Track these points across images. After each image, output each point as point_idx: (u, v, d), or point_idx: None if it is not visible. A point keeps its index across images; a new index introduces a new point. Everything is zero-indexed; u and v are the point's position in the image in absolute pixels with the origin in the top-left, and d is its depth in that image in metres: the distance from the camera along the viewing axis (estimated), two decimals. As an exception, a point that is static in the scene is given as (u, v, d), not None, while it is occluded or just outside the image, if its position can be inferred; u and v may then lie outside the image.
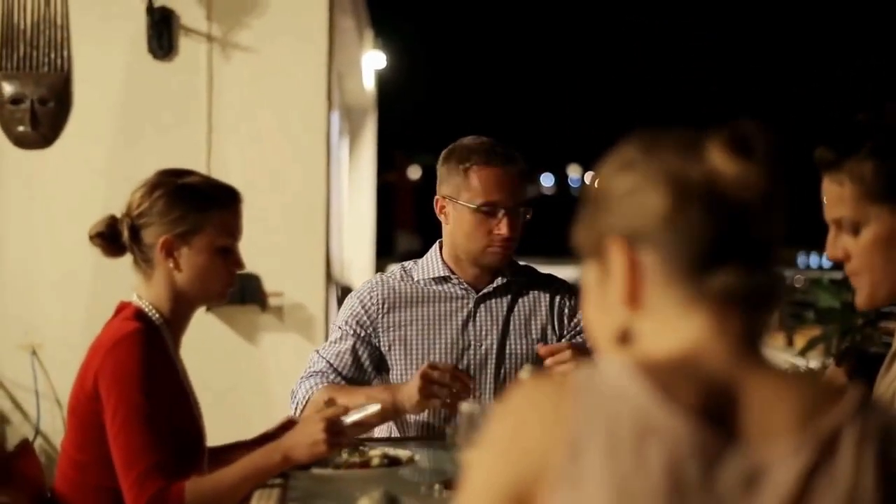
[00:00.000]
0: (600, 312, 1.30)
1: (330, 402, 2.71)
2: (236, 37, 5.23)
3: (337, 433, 2.57)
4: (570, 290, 3.30)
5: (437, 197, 3.21)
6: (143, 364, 2.52)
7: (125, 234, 2.64)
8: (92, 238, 2.67)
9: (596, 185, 1.31)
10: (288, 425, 2.83)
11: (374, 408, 2.77)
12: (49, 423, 5.15)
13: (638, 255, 1.25)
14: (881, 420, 1.23)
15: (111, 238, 2.66)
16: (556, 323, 3.24)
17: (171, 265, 2.63)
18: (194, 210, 2.64)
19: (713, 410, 1.18)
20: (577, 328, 3.23)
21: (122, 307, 2.69)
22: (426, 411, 3.05)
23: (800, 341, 8.28)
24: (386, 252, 15.15)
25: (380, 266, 12.71)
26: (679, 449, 1.15)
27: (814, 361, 6.53)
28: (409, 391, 2.87)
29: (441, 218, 3.22)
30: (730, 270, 1.23)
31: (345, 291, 8.69)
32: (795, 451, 1.19)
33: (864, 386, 1.34)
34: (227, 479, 2.53)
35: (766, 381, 1.23)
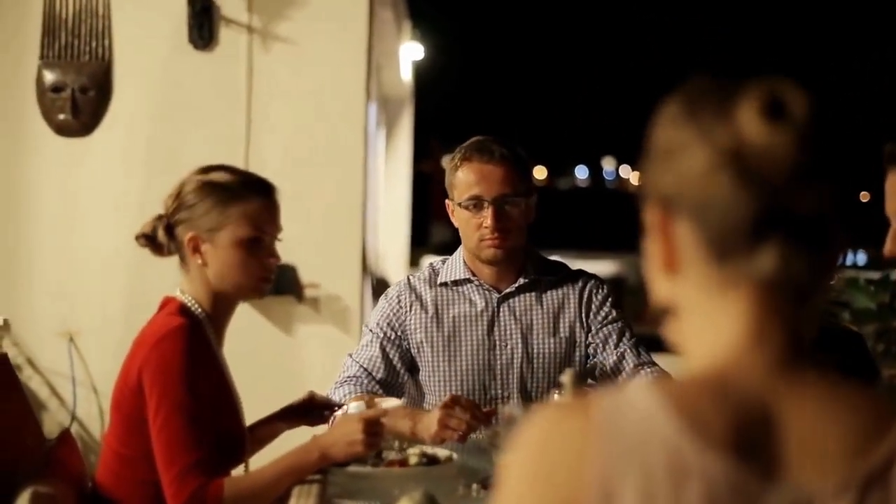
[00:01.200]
0: (652, 276, 1.21)
1: (370, 403, 2.72)
2: (276, 28, 5.24)
3: (374, 433, 2.58)
4: (598, 284, 3.29)
5: (447, 201, 3.25)
6: (187, 360, 2.53)
7: (161, 233, 2.66)
8: (137, 239, 2.69)
9: (646, 143, 1.20)
10: (309, 400, 2.86)
11: (394, 402, 2.80)
12: (85, 409, 5.18)
13: (673, 222, 1.16)
14: None
15: (153, 238, 2.68)
16: (583, 317, 3.23)
17: (200, 262, 2.65)
18: (217, 205, 2.65)
19: (751, 443, 1.08)
20: (606, 320, 3.22)
21: (166, 302, 2.70)
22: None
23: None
24: (421, 242, 15.15)
25: (414, 257, 12.72)
26: (717, 491, 1.06)
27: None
28: (429, 423, 2.87)
29: (452, 220, 3.26)
30: (771, 250, 1.11)
31: (379, 283, 8.69)
32: (842, 487, 1.08)
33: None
34: (265, 477, 2.54)
35: (810, 401, 1.11)
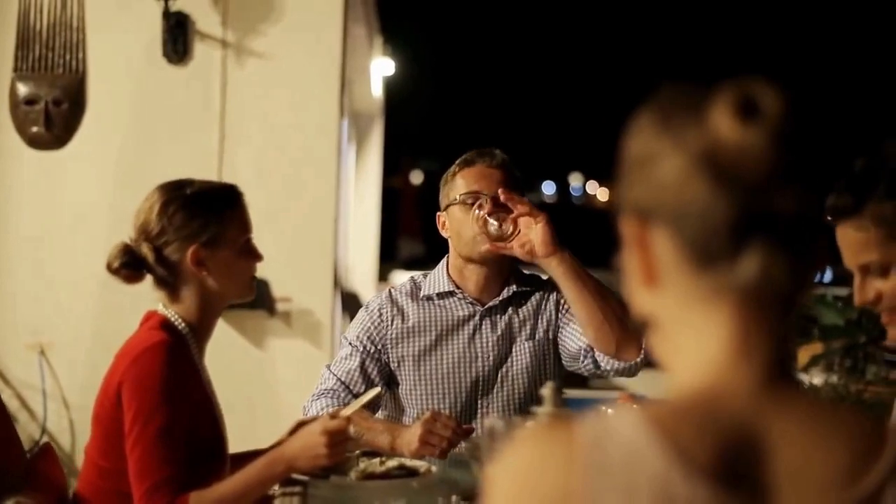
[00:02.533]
0: (630, 290, 1.17)
1: (334, 414, 2.73)
2: (251, 43, 5.26)
3: (338, 444, 2.59)
4: None
5: (438, 216, 3.31)
6: (166, 376, 2.54)
7: (150, 257, 2.64)
8: (116, 271, 2.66)
9: (619, 155, 1.16)
10: (298, 428, 2.87)
11: (373, 392, 2.83)
12: (55, 422, 5.17)
13: (650, 234, 1.12)
14: None
15: (133, 265, 2.66)
16: (557, 317, 3.27)
17: (204, 273, 2.66)
18: (213, 215, 2.67)
19: (738, 469, 1.05)
20: (569, 310, 3.25)
21: (149, 317, 2.71)
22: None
23: (803, 357, 8.29)
24: (389, 257, 15.18)
25: (382, 272, 12.72)
26: None
27: (816, 378, 6.54)
28: (409, 438, 2.89)
29: (444, 234, 3.30)
30: (754, 255, 1.08)
31: (348, 297, 8.71)
32: None
33: None
34: (230, 491, 2.54)
35: (797, 424, 1.08)
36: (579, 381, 3.82)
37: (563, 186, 45.96)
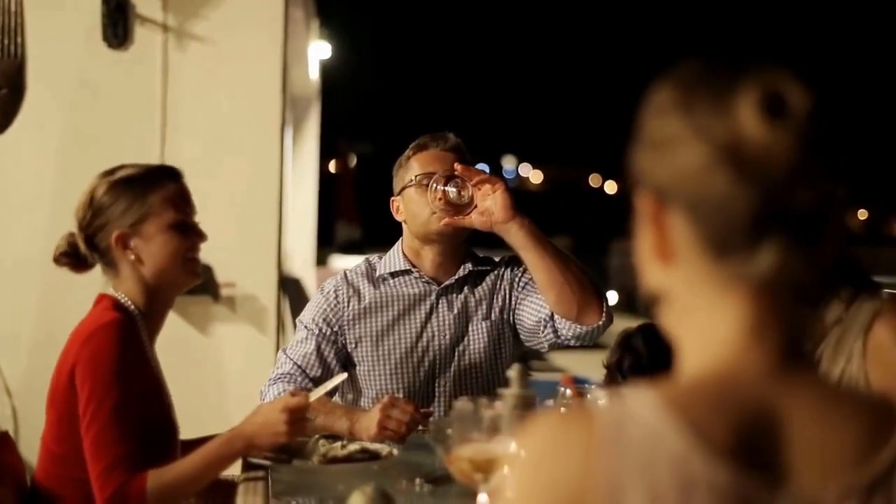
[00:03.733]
0: (643, 264, 1.18)
1: (294, 393, 2.74)
2: (192, 27, 5.22)
3: (297, 421, 2.60)
4: (522, 263, 3.35)
5: (391, 200, 3.33)
6: (119, 354, 2.54)
7: (81, 246, 2.66)
8: (57, 260, 2.69)
9: (638, 124, 1.17)
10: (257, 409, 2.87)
11: (339, 378, 2.84)
12: (-3, 412, 5.11)
13: (667, 214, 1.14)
14: None
15: (74, 255, 2.68)
16: (512, 295, 3.30)
17: (133, 258, 2.66)
18: (136, 198, 2.67)
19: (755, 450, 1.07)
20: (526, 286, 3.27)
21: (100, 299, 2.71)
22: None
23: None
24: (327, 242, 15.15)
25: (320, 256, 12.70)
26: (725, 501, 1.04)
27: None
28: (368, 423, 2.89)
29: (398, 218, 3.33)
30: (770, 249, 1.09)
31: (287, 282, 8.67)
32: (846, 493, 1.07)
33: None
34: (189, 469, 2.55)
35: (811, 406, 1.10)
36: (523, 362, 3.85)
37: (495, 169, 46.09)
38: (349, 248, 13.83)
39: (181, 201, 2.74)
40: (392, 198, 3.33)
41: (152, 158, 5.06)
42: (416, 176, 3.24)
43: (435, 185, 3.09)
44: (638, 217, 1.18)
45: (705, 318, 1.14)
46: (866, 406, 1.13)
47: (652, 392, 1.09)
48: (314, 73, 10.78)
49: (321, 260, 12.64)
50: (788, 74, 1.12)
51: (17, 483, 2.65)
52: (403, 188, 3.28)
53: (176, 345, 5.22)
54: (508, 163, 45.76)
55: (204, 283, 5.16)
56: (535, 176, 45.01)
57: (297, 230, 11.54)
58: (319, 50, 10.46)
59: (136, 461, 2.49)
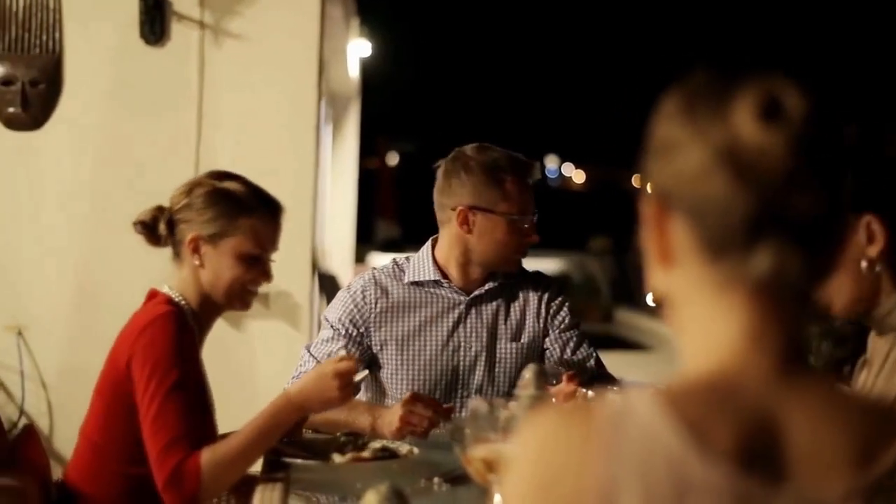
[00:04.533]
0: (649, 266, 1.19)
1: (342, 358, 2.73)
2: (228, 24, 5.24)
3: (348, 385, 2.61)
4: (557, 287, 3.37)
5: (459, 208, 3.21)
6: (176, 340, 2.59)
7: (162, 226, 2.70)
8: (134, 225, 2.74)
9: (649, 131, 1.18)
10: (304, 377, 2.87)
11: (360, 375, 2.85)
12: (34, 404, 5.15)
13: (669, 218, 1.15)
14: None
15: (151, 228, 2.73)
16: (542, 323, 3.29)
17: (197, 263, 2.68)
18: (226, 214, 2.70)
19: (755, 451, 1.06)
20: (564, 324, 3.28)
21: (154, 294, 2.75)
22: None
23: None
24: (366, 240, 15.18)
25: (359, 254, 12.72)
26: (722, 502, 1.04)
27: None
28: (390, 419, 2.89)
29: (462, 228, 3.22)
30: (767, 251, 1.09)
31: (325, 279, 8.70)
32: (848, 496, 1.06)
33: None
34: (242, 442, 2.55)
35: (812, 407, 1.09)
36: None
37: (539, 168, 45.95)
38: (388, 246, 13.85)
39: (265, 237, 2.76)
40: (460, 207, 3.22)
41: (188, 154, 5.09)
42: (516, 215, 3.20)
43: None
44: (643, 221, 1.19)
45: (705, 320, 1.14)
46: (867, 409, 1.13)
47: (652, 392, 1.09)
48: (354, 72, 10.79)
49: (360, 257, 12.66)
50: (787, 78, 1.13)
51: (41, 476, 2.67)
52: (493, 212, 3.20)
53: (210, 341, 5.22)
54: (551, 162, 45.66)
55: (238, 280, 5.20)
56: (577, 176, 44.90)
57: (337, 228, 11.56)
58: (359, 48, 10.46)
59: (193, 441, 2.52)
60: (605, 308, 16.41)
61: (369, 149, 16.24)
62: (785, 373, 1.11)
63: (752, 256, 1.10)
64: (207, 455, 2.50)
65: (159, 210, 2.75)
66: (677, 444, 1.05)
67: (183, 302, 2.71)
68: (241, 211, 2.71)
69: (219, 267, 2.70)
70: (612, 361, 3.47)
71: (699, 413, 1.07)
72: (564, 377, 2.81)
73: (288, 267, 5.33)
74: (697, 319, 1.15)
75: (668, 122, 1.15)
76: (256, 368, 5.30)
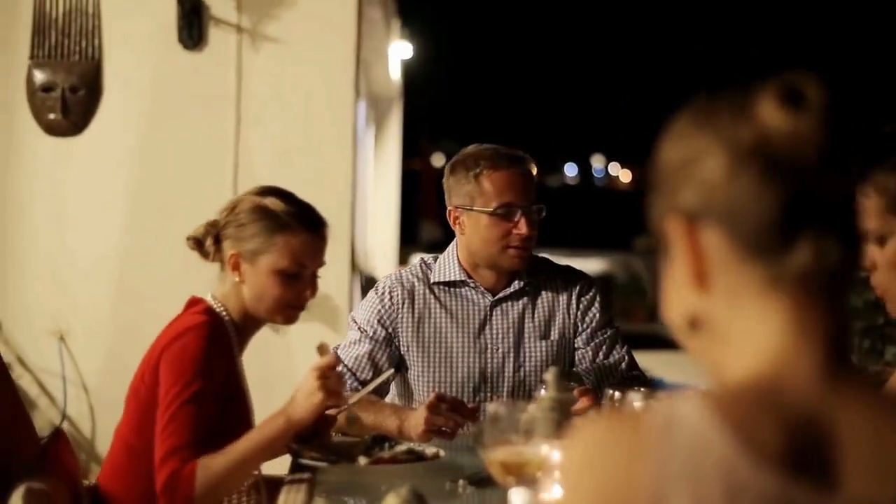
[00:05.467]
0: (671, 293, 1.18)
1: (322, 349, 2.74)
2: (265, 28, 5.26)
3: (330, 379, 2.60)
4: (587, 283, 3.30)
5: (449, 209, 3.22)
6: (205, 352, 2.60)
7: (209, 241, 2.73)
8: (188, 240, 2.78)
9: (655, 163, 1.18)
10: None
11: (386, 374, 2.84)
12: (76, 408, 5.20)
13: (700, 233, 1.13)
14: None
15: (200, 244, 2.76)
16: (573, 320, 3.25)
17: (238, 279, 2.70)
18: (265, 231, 2.71)
19: (805, 455, 1.04)
20: (595, 323, 3.24)
21: (194, 302, 2.77)
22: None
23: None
24: (410, 240, 15.17)
25: (403, 255, 12.73)
26: None
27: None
28: (416, 420, 2.88)
29: (456, 229, 3.24)
30: (807, 241, 1.09)
31: (369, 281, 8.72)
32: None
33: None
34: (236, 455, 2.57)
35: (861, 409, 1.08)
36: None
37: (585, 168, 45.86)
38: (433, 247, 13.88)
39: (304, 253, 2.75)
40: (450, 208, 3.22)
41: (226, 158, 5.12)
42: (494, 207, 3.12)
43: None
44: (668, 248, 1.18)
45: (748, 328, 1.12)
46: None
47: (699, 397, 1.08)
48: (396, 73, 10.81)
49: (404, 259, 12.68)
50: (801, 72, 1.13)
51: (72, 479, 2.69)
52: (471, 209, 3.16)
53: (249, 345, 5.28)
54: (598, 162, 45.53)
55: (277, 283, 5.23)
56: (623, 175, 44.73)
57: (380, 229, 11.59)
58: (401, 49, 10.49)
59: (195, 452, 2.53)
60: (650, 308, 16.35)
61: (413, 150, 16.26)
62: (832, 372, 1.09)
63: (793, 251, 1.09)
64: (203, 465, 2.52)
65: (211, 226, 2.77)
66: (726, 450, 1.03)
67: (224, 312, 2.73)
68: (278, 228, 2.72)
69: (257, 284, 2.72)
70: (657, 361, 3.45)
71: (747, 417, 1.05)
72: (576, 393, 2.72)
73: (327, 270, 5.31)
74: (737, 329, 1.13)
75: (679, 141, 1.15)
76: (296, 372, 5.31)
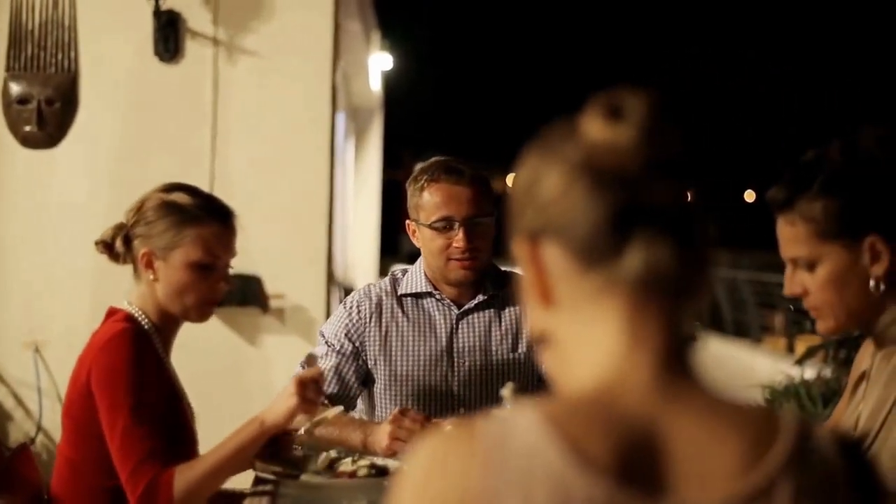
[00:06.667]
0: (528, 313, 1.20)
1: (310, 360, 2.72)
2: (242, 40, 5.27)
3: (308, 390, 2.60)
4: None
5: (407, 222, 3.24)
6: (134, 360, 2.59)
7: (119, 243, 2.72)
8: (97, 245, 2.76)
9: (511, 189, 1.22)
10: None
11: (336, 410, 2.84)
12: (51, 419, 5.19)
13: (542, 250, 1.16)
14: (821, 470, 1.11)
15: (110, 246, 2.75)
16: None
17: (151, 277, 2.70)
18: (174, 226, 2.70)
19: (634, 464, 1.06)
20: None
21: (112, 312, 2.76)
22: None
23: (801, 348, 8.34)
24: (391, 252, 15.16)
25: (384, 267, 12.74)
26: None
27: (809, 370, 6.60)
28: (381, 435, 2.88)
29: (414, 241, 3.25)
30: (637, 246, 1.11)
31: (348, 293, 8.73)
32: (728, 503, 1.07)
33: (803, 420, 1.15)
34: (213, 460, 2.57)
35: (692, 417, 1.10)
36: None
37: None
38: (415, 259, 13.82)
39: (217, 244, 2.75)
40: (408, 221, 3.23)
41: (202, 170, 5.12)
42: (432, 221, 3.12)
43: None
44: (518, 267, 1.21)
45: (585, 338, 1.15)
46: (749, 417, 1.13)
47: (534, 409, 1.10)
48: (376, 85, 10.83)
49: (385, 270, 12.69)
50: (625, 88, 1.17)
51: (33, 494, 2.69)
52: (419, 222, 3.17)
53: (225, 356, 5.28)
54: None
55: (253, 295, 5.23)
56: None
57: (361, 241, 11.60)
58: (381, 62, 10.51)
59: (162, 457, 2.53)
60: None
61: (396, 161, 16.27)
62: (666, 380, 1.12)
63: (624, 256, 1.12)
64: (181, 472, 2.52)
65: (119, 227, 2.77)
66: (558, 461, 1.06)
67: (142, 317, 2.73)
68: (188, 221, 2.72)
69: (172, 279, 2.72)
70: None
71: (580, 429, 1.07)
72: None
73: (303, 281, 5.37)
74: (577, 340, 1.16)
75: (524, 167, 1.20)
76: (272, 383, 5.32)
